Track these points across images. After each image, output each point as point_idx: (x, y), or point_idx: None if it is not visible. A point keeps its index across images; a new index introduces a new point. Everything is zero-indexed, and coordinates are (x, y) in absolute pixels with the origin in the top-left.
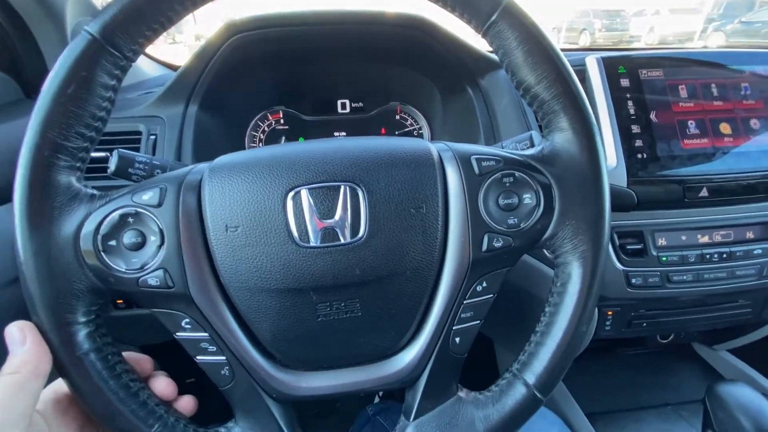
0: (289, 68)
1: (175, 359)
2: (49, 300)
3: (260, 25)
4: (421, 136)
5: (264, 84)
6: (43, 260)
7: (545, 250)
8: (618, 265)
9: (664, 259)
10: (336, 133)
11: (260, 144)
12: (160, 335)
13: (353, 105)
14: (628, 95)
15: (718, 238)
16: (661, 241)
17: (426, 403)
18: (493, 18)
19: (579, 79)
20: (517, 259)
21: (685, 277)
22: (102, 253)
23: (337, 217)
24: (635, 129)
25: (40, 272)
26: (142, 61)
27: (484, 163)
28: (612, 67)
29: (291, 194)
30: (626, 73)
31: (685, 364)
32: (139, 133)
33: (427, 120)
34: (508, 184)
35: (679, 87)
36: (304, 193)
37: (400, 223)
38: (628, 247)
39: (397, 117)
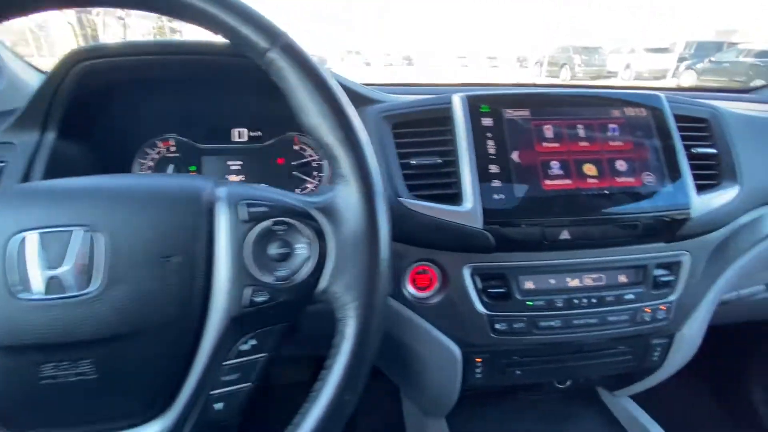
0: (175, 96)
1: None
2: None
3: (103, 54)
4: (320, 167)
5: (147, 111)
6: None
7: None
8: (481, 309)
9: (530, 303)
10: (230, 162)
11: (148, 172)
12: None
13: (251, 134)
14: (489, 135)
15: (588, 282)
16: (528, 285)
17: None
18: (270, 55)
19: (444, 117)
20: (294, 314)
21: (553, 323)
22: None
23: (66, 265)
24: (494, 169)
25: None
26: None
27: (252, 209)
28: (475, 106)
29: (15, 238)
30: (490, 111)
31: (589, 411)
32: None
33: None
34: (280, 233)
35: (545, 127)
36: (32, 237)
37: (147, 273)
38: (491, 290)
39: (296, 147)
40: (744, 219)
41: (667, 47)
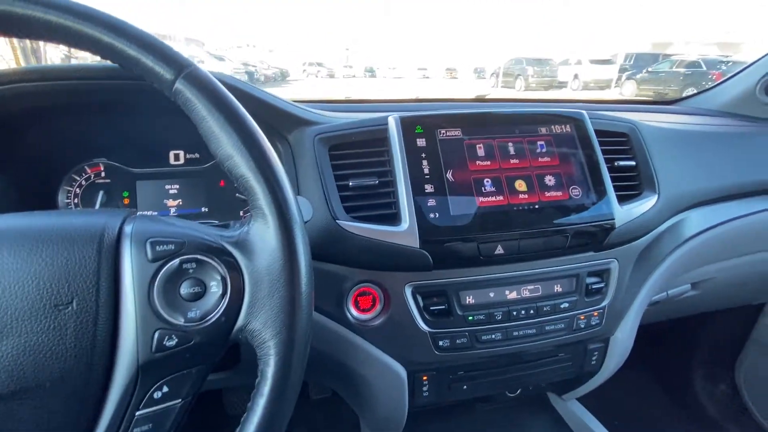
0: (103, 119)
1: None
2: None
3: (7, 81)
4: None
5: (73, 135)
6: None
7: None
8: (424, 327)
9: (470, 318)
10: (168, 187)
11: (76, 200)
12: None
13: (188, 156)
14: (424, 155)
15: (526, 293)
16: (469, 300)
17: None
18: (177, 86)
19: (380, 138)
20: (211, 355)
21: (494, 336)
22: None
23: None
24: (429, 189)
25: None
26: None
27: (159, 247)
28: (410, 127)
29: None
30: (423, 132)
31: (540, 416)
32: None
33: None
34: (191, 271)
35: (477, 146)
36: None
37: (39, 323)
38: (433, 308)
39: None
40: (665, 225)
41: (610, 59)
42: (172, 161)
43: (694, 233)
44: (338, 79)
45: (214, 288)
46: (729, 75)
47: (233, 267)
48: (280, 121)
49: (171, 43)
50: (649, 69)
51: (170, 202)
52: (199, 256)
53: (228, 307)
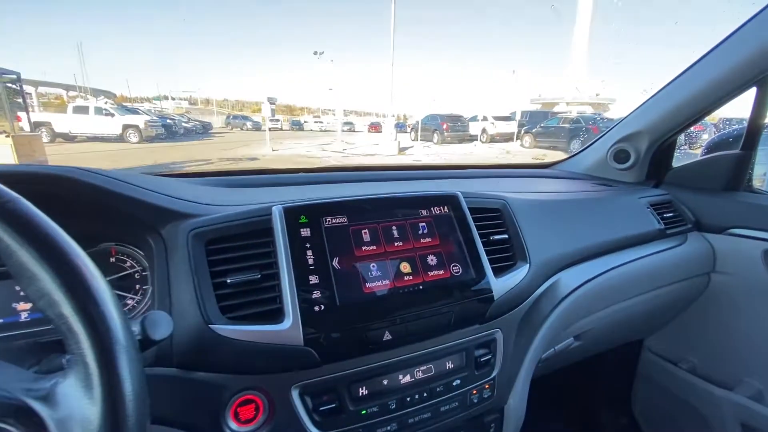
0: None
1: None
2: None
3: None
4: (144, 278)
5: None
6: None
7: None
8: (313, 430)
9: (363, 412)
10: (18, 287)
11: None
12: None
13: None
14: (308, 245)
15: (419, 375)
16: (362, 391)
17: None
18: None
19: (263, 230)
20: None
21: (389, 428)
22: None
23: None
24: (314, 280)
25: None
26: None
27: None
28: (293, 217)
29: None
30: (308, 222)
31: None
32: None
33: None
34: None
35: (362, 231)
36: None
37: None
38: (323, 408)
39: (112, 260)
40: (539, 290)
41: (510, 116)
42: None
43: (566, 293)
44: (263, 132)
45: None
46: (589, 143)
47: (39, 426)
48: (150, 215)
49: (78, 93)
50: (542, 125)
51: (21, 306)
52: None
53: None
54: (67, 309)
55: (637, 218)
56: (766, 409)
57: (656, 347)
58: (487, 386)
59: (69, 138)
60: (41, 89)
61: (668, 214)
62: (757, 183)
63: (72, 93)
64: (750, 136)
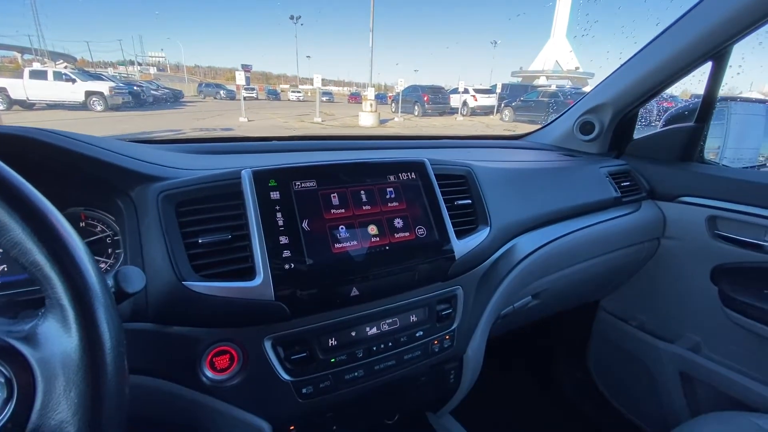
0: None
1: None
2: None
3: None
4: (116, 243)
5: None
6: None
7: None
8: (285, 377)
9: (333, 360)
10: None
11: None
12: None
13: None
14: (278, 207)
15: (385, 327)
16: (331, 342)
17: None
18: None
19: (233, 192)
20: None
21: (356, 374)
22: None
23: None
24: (284, 240)
25: None
26: None
27: None
28: (263, 181)
29: None
30: (277, 185)
31: None
32: None
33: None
34: None
35: (331, 195)
36: None
37: None
38: (294, 357)
39: (82, 224)
40: (499, 252)
41: (491, 89)
42: None
43: (523, 255)
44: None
45: None
46: (558, 115)
47: (22, 365)
48: (119, 178)
49: (34, 57)
50: (522, 98)
51: None
52: None
53: (16, 411)
54: (39, 256)
55: (596, 187)
56: (700, 359)
57: (610, 307)
58: (447, 337)
59: (27, 105)
60: None
61: (625, 183)
62: (711, 156)
63: (27, 56)
64: (704, 109)
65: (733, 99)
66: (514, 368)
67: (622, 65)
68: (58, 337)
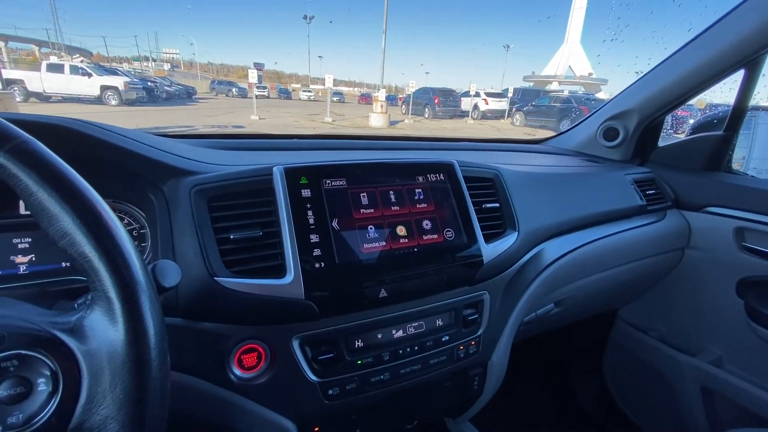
0: None
1: None
2: None
3: None
4: (139, 236)
5: None
6: None
7: None
8: (312, 378)
9: (359, 362)
10: (17, 240)
11: None
12: None
13: None
14: (309, 205)
15: (411, 331)
16: (358, 343)
17: None
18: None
19: (264, 189)
20: None
21: (382, 377)
22: None
23: None
24: (314, 239)
25: None
26: None
27: None
28: (294, 178)
29: None
30: (308, 183)
31: None
32: None
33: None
34: (12, 369)
35: (361, 194)
36: None
37: None
38: (321, 357)
39: None
40: (526, 257)
41: (502, 92)
42: (23, 211)
43: (550, 261)
44: (250, 99)
45: (42, 386)
46: (579, 120)
47: (68, 358)
48: (152, 171)
49: (51, 50)
50: (533, 103)
51: (19, 259)
52: (22, 352)
53: (60, 405)
54: (88, 248)
55: (621, 194)
56: (723, 373)
57: (629, 317)
58: (473, 343)
59: (43, 98)
60: (11, 44)
61: (650, 191)
62: (736, 166)
63: (45, 50)
64: (734, 118)
65: (762, 108)
66: (530, 376)
67: (649, 71)
68: (104, 330)
